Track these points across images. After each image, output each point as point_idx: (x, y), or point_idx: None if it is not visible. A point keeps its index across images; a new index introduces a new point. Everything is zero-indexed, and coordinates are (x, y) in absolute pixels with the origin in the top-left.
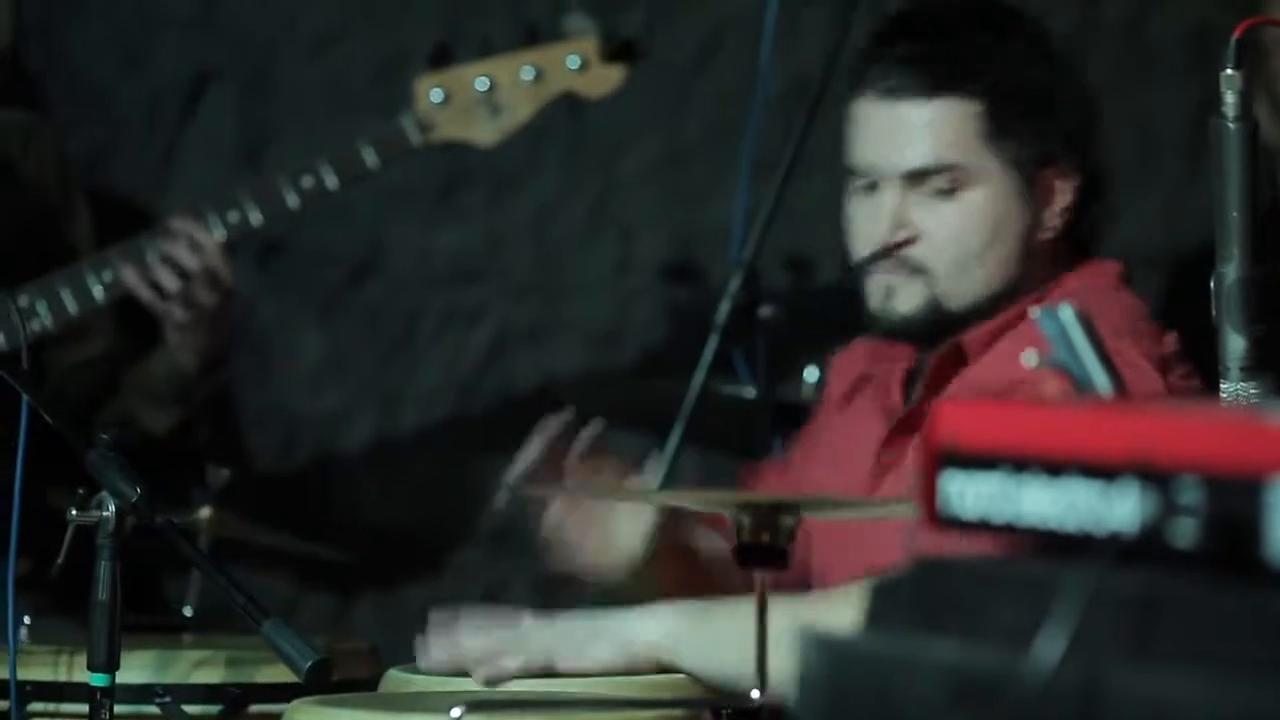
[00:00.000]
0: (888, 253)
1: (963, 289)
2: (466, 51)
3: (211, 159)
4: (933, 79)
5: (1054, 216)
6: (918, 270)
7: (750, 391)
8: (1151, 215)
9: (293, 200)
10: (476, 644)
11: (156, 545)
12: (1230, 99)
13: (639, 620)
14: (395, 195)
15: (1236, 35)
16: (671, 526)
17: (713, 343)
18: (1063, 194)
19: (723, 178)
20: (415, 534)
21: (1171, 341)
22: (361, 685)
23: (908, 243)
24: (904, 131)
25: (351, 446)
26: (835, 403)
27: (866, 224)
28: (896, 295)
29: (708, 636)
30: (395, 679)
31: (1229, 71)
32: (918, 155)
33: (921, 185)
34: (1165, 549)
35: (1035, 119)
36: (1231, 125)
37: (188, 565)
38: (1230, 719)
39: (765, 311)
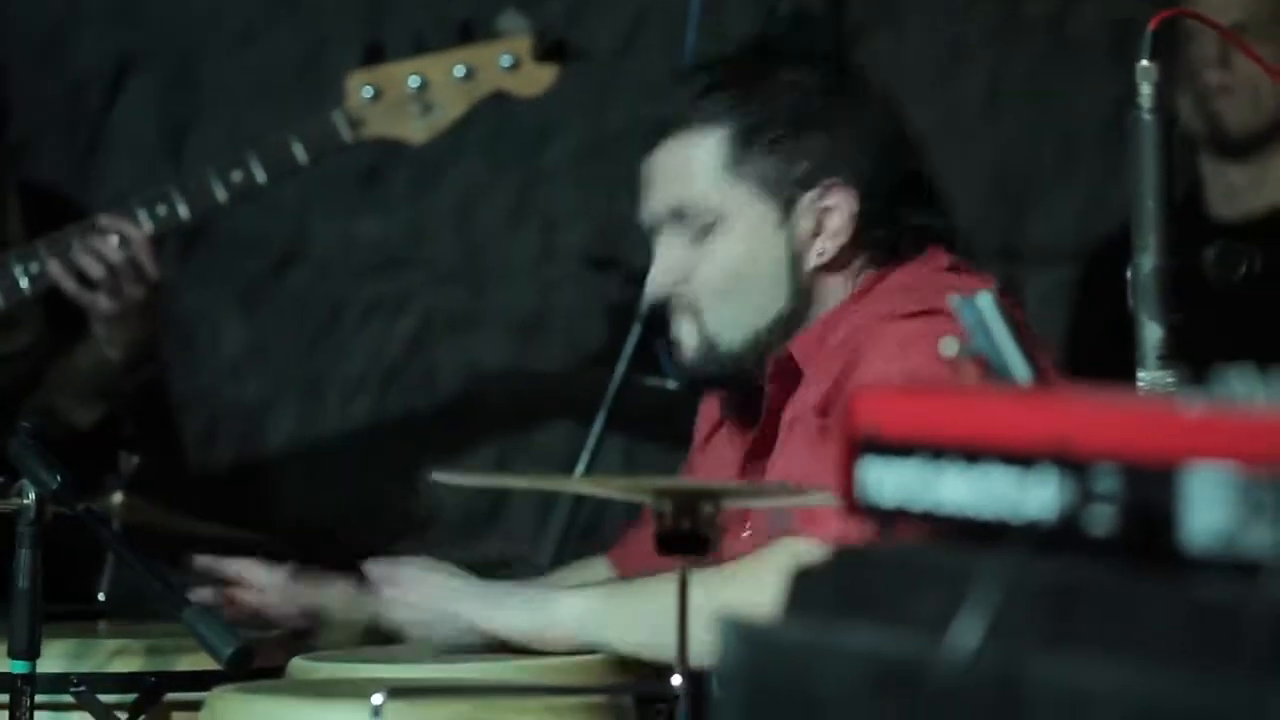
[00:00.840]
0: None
1: (728, 322)
2: (395, 45)
3: (135, 149)
4: (675, 116)
5: (830, 236)
6: (690, 310)
7: (672, 383)
8: (1072, 208)
9: (221, 195)
10: (418, 598)
11: (68, 532)
12: (1146, 91)
13: (561, 596)
14: (319, 183)
15: (1152, 27)
16: None
17: (635, 333)
18: (837, 212)
19: None
20: (338, 521)
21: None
22: (278, 673)
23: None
24: (655, 179)
25: (275, 435)
26: (698, 447)
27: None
28: (682, 346)
29: (624, 615)
30: (300, 668)
31: (1144, 63)
32: (664, 197)
33: (680, 228)
34: (1082, 537)
35: (788, 141)
36: (1147, 117)
37: (100, 553)
38: (1147, 705)
39: None
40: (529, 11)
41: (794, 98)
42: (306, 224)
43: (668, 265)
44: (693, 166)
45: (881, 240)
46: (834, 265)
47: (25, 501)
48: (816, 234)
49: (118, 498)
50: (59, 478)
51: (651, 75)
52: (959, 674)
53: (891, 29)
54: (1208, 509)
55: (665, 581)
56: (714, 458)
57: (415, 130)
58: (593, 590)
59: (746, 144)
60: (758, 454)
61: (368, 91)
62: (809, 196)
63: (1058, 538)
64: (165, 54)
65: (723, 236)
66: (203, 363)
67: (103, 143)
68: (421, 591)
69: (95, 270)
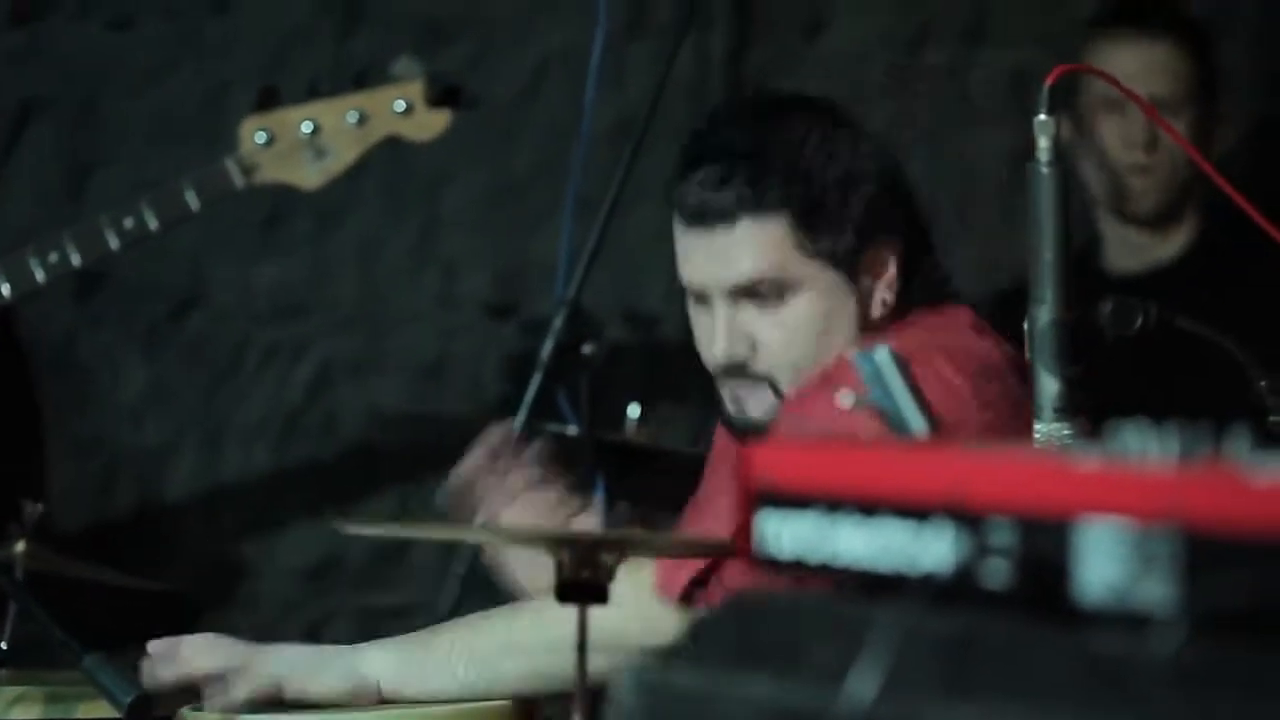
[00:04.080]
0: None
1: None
2: (293, 88)
3: (35, 190)
4: (736, 203)
5: (883, 290)
6: (760, 379)
7: (573, 429)
8: (969, 258)
9: (114, 242)
10: (205, 666)
11: None
12: (1044, 144)
13: (364, 653)
14: (218, 228)
15: (1049, 82)
16: None
17: (536, 380)
18: (888, 266)
19: (547, 214)
20: (237, 568)
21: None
22: None
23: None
24: (719, 255)
25: (174, 480)
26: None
27: (705, 336)
28: (747, 403)
29: (425, 668)
30: (188, 718)
31: (1042, 117)
32: (736, 274)
33: (748, 297)
34: (978, 589)
35: (842, 211)
36: (1045, 170)
37: (2, 601)
38: None
39: (588, 349)
40: (430, 59)
41: (837, 163)
42: (205, 269)
43: (734, 334)
44: (762, 249)
45: (924, 285)
46: (892, 318)
47: None
48: (875, 289)
49: (20, 546)
50: None
51: (553, 120)
52: None
53: (790, 79)
54: (1101, 562)
55: (457, 631)
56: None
57: (308, 176)
58: (393, 648)
59: (810, 223)
60: None
61: (260, 137)
62: (868, 254)
63: (953, 590)
64: (67, 96)
65: (802, 301)
66: (102, 407)
67: (3, 185)
68: (214, 653)
69: None
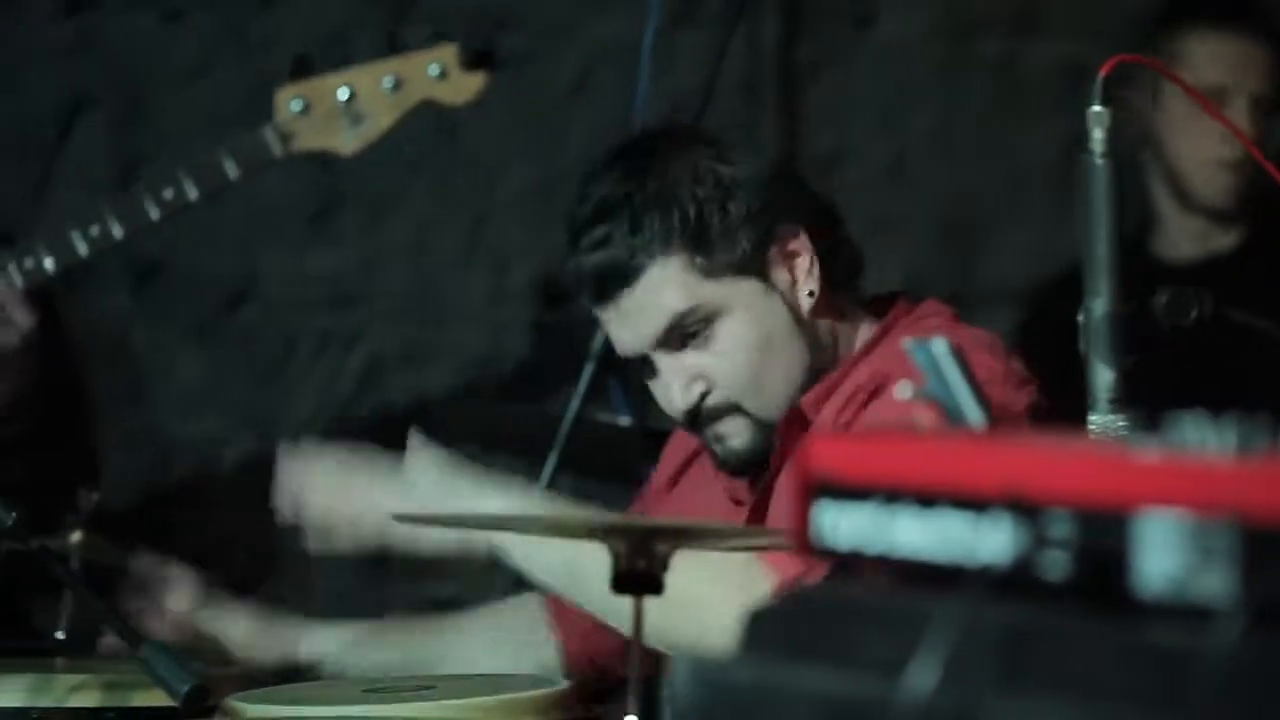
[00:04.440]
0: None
1: (772, 399)
2: (330, 64)
3: (85, 186)
4: (628, 257)
5: (805, 278)
6: (727, 410)
7: (625, 419)
8: (1020, 249)
9: (154, 213)
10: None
11: (23, 570)
12: (1097, 135)
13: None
14: (270, 219)
15: (1104, 73)
16: None
17: (589, 370)
18: (799, 253)
19: None
20: (289, 558)
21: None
22: None
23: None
24: (633, 316)
25: (227, 470)
26: (661, 488)
27: (662, 396)
28: (728, 439)
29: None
30: (233, 707)
31: (1096, 108)
32: (656, 325)
33: (680, 341)
34: (1036, 581)
35: (726, 222)
36: (1099, 161)
37: (57, 590)
38: None
39: None
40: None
41: (704, 181)
42: (258, 260)
43: (686, 380)
44: (666, 296)
45: (846, 262)
46: (829, 309)
47: None
48: (795, 282)
49: (76, 535)
50: (12, 515)
51: (604, 112)
52: (914, 716)
53: (841, 69)
54: (1160, 554)
55: None
56: (691, 499)
57: (345, 141)
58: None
59: (701, 245)
60: (766, 503)
61: (297, 104)
62: (773, 252)
63: (1011, 582)
64: (116, 91)
65: (729, 324)
66: (155, 398)
67: (53, 180)
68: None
69: None
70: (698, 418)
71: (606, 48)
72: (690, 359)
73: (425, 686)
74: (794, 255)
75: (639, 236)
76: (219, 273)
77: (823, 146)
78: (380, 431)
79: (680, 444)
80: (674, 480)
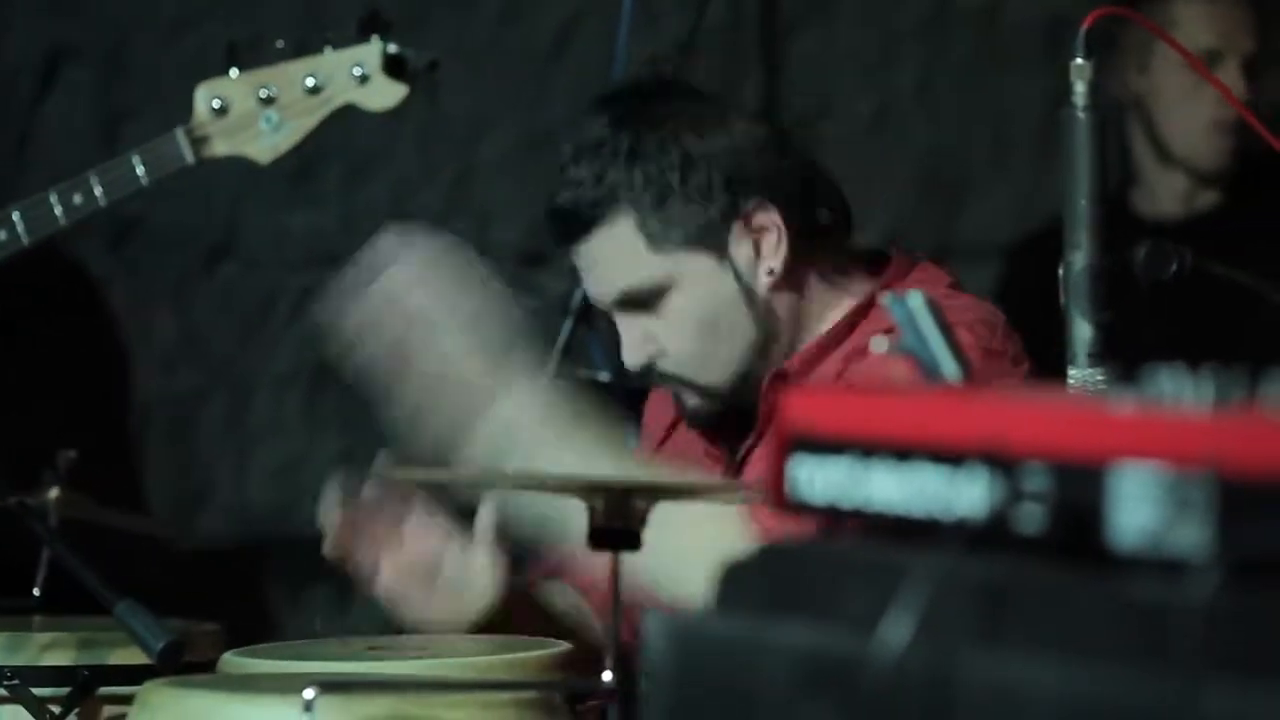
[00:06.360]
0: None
1: (715, 371)
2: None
3: (67, 140)
4: (582, 220)
5: (772, 254)
6: (677, 380)
7: (604, 375)
8: (1002, 204)
9: (62, 219)
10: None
11: (3, 528)
12: (1080, 89)
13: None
14: (250, 176)
15: (1086, 25)
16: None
17: (567, 327)
18: (769, 230)
19: None
20: (268, 516)
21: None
22: (210, 668)
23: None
24: (591, 270)
25: (205, 428)
26: (654, 448)
27: (623, 353)
28: (685, 399)
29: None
30: (231, 663)
31: (1079, 61)
32: (609, 288)
33: (635, 306)
34: (1012, 535)
35: (686, 192)
36: (1080, 115)
37: (33, 547)
38: (1077, 702)
39: None
40: (460, 13)
41: (677, 143)
42: (238, 217)
43: (637, 342)
44: (620, 258)
45: (824, 240)
46: (787, 282)
47: None
48: (759, 257)
49: (54, 493)
50: None
51: (585, 70)
52: (889, 671)
53: (823, 24)
54: (1136, 508)
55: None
56: (678, 457)
57: (260, 150)
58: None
59: (661, 213)
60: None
61: (215, 104)
62: (737, 227)
63: (987, 536)
64: (98, 44)
65: (677, 298)
66: (134, 354)
67: (34, 134)
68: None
69: None
70: (650, 377)
71: (587, 4)
72: (644, 322)
73: (427, 645)
74: (761, 230)
75: (599, 187)
76: (198, 230)
77: (804, 101)
78: (359, 391)
79: (660, 411)
80: (663, 440)
